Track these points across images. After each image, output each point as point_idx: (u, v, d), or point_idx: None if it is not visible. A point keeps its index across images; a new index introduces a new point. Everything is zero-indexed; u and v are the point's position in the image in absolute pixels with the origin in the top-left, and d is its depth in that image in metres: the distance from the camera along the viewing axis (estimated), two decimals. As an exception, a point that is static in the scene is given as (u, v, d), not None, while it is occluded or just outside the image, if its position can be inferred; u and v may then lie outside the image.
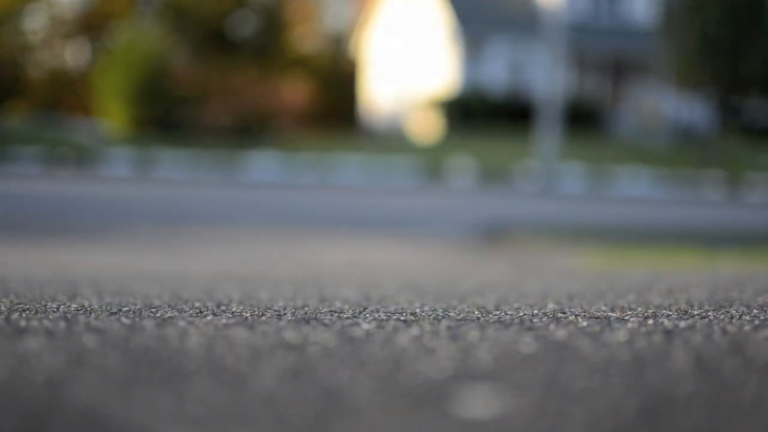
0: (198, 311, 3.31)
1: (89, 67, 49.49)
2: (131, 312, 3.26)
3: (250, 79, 44.35)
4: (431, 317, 3.20)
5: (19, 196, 18.80)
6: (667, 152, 40.03)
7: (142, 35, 43.31)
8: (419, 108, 44.24)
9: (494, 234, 13.63)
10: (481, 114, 42.24)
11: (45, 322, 2.93)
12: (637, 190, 31.35)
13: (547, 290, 4.44)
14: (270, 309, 3.42)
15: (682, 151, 40.42)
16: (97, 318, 3.07)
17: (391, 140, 41.79)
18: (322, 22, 58.29)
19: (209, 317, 3.14)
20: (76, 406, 1.82)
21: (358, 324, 2.99)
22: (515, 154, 35.95)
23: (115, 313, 3.23)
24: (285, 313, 3.27)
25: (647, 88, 45.70)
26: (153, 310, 3.34)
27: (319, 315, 3.24)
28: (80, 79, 49.84)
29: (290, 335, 2.73)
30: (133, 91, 40.43)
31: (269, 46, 50.85)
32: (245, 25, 51.72)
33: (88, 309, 3.33)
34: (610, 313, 3.29)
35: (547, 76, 33.49)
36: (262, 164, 32.49)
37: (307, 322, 3.05)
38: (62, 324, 2.89)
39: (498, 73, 44.57)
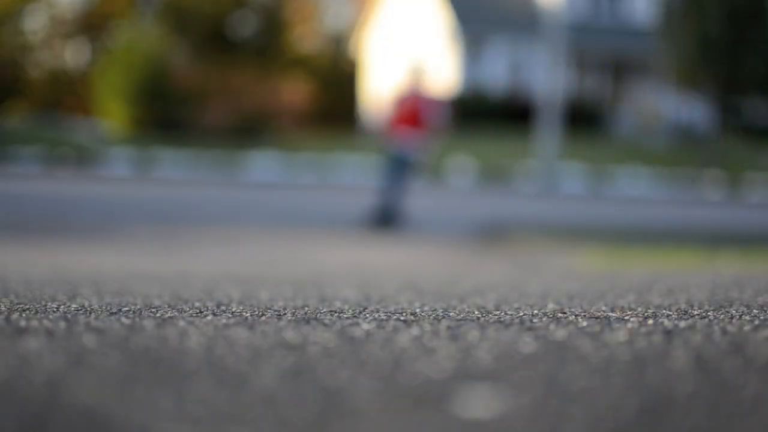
0: (198, 311, 3.31)
1: (89, 67, 49.49)
2: (131, 312, 3.26)
3: (250, 79, 44.32)
4: (431, 317, 3.20)
5: (19, 196, 18.80)
6: (667, 152, 40.03)
7: (142, 35, 43.31)
8: (419, 108, 44.22)
9: (494, 234, 13.63)
10: (481, 114, 42.24)
11: (45, 322, 2.93)
12: (637, 190, 31.35)
13: (547, 290, 4.44)
14: (270, 309, 3.41)
15: (682, 151, 40.43)
16: (97, 318, 3.07)
17: (391, 140, 41.75)
18: (322, 22, 58.28)
19: (209, 317, 3.14)
20: (76, 406, 1.82)
21: (358, 324, 2.99)
22: (515, 154, 35.95)
23: (115, 313, 3.23)
24: (285, 313, 3.27)
25: (647, 88, 45.70)
26: (153, 310, 3.34)
27: (319, 315, 3.24)
28: (80, 79, 49.84)
29: (290, 335, 2.73)
30: (133, 91, 40.43)
31: (269, 46, 50.84)
32: (245, 25, 51.71)
33: (88, 309, 3.33)
34: (610, 313, 3.29)
35: (547, 76, 33.48)
36: (262, 164, 32.48)
37: (307, 322, 3.05)
38: (62, 324, 2.89)
39: (498, 73, 44.56)
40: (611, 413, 1.82)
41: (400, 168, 13.69)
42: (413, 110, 13.64)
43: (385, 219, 13.60)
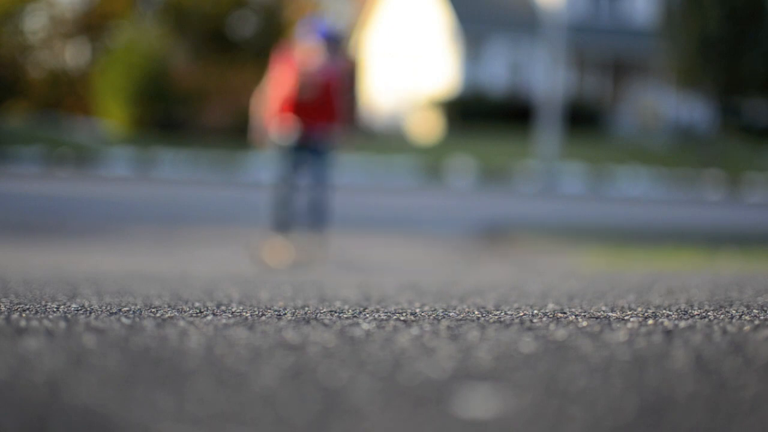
0: (198, 311, 3.31)
1: (89, 67, 49.48)
2: (131, 312, 3.26)
3: (250, 79, 44.33)
4: (431, 317, 3.20)
5: (19, 196, 18.79)
6: (667, 152, 40.03)
7: (142, 35, 43.31)
8: (419, 108, 44.25)
9: (494, 234, 13.63)
10: (480, 114, 42.24)
11: (45, 322, 2.93)
12: (637, 190, 31.35)
13: (547, 290, 4.44)
14: (270, 309, 3.41)
15: (682, 151, 40.43)
16: (97, 318, 3.07)
17: (391, 140, 41.80)
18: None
19: (209, 317, 3.14)
20: (76, 406, 1.82)
21: (358, 324, 2.99)
22: (515, 154, 35.95)
23: (115, 313, 3.23)
24: (285, 313, 3.27)
25: (647, 88, 45.71)
26: (153, 310, 3.34)
27: (319, 315, 3.24)
28: (80, 79, 49.82)
29: (290, 335, 2.73)
30: (133, 91, 40.42)
31: (269, 46, 50.84)
32: (245, 25, 51.71)
33: (88, 309, 3.33)
34: (610, 313, 3.29)
35: (547, 76, 33.49)
36: (262, 164, 32.49)
37: (307, 322, 3.05)
38: (62, 324, 2.89)
39: (498, 73, 44.57)
40: (611, 413, 1.82)
41: (307, 161, 9.66)
42: (324, 88, 9.56)
43: (286, 223, 9.64)
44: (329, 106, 9.64)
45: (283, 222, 9.59)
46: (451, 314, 3.29)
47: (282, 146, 9.65)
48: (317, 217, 9.59)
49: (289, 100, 9.53)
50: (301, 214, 9.62)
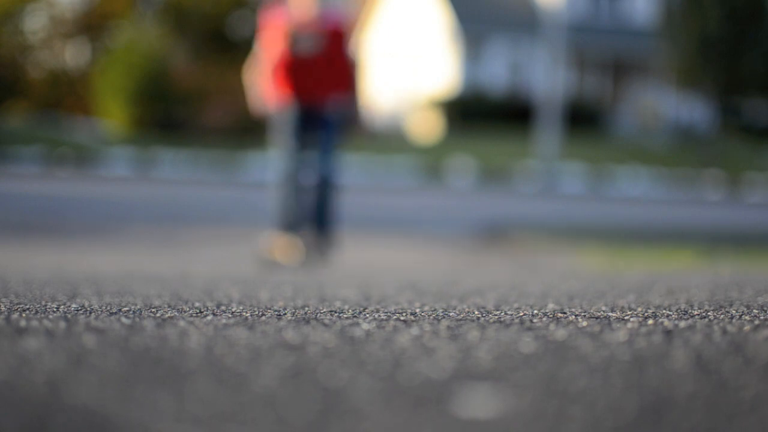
0: (198, 311, 3.31)
1: (89, 67, 49.49)
2: (131, 312, 3.26)
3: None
4: (431, 317, 3.20)
5: (19, 196, 18.79)
6: (667, 152, 40.03)
7: (142, 35, 43.32)
8: (419, 108, 44.24)
9: (494, 234, 13.63)
10: (480, 114, 42.24)
11: (45, 322, 2.93)
12: (637, 190, 31.35)
13: (547, 290, 4.44)
14: (270, 309, 3.41)
15: (682, 151, 40.43)
16: (97, 318, 3.07)
17: (391, 140, 41.80)
18: (322, 22, 58.29)
19: (209, 317, 3.14)
20: (76, 406, 1.82)
21: (358, 324, 2.99)
22: (515, 154, 35.94)
23: (115, 313, 3.23)
24: (285, 313, 3.27)
25: (647, 88, 45.70)
26: (153, 310, 3.34)
27: (319, 315, 3.24)
28: (80, 79, 49.83)
29: (290, 335, 2.73)
30: (133, 91, 40.43)
31: (269, 46, 50.80)
32: (245, 25, 51.72)
33: (88, 309, 3.33)
34: (610, 313, 3.29)
35: (547, 76, 33.49)
36: (262, 164, 32.49)
37: (307, 322, 3.05)
38: (62, 324, 2.88)
39: (498, 73, 44.57)
40: (611, 413, 1.82)
41: (316, 131, 8.15)
42: (326, 40, 8.08)
43: (293, 221, 8.34)
44: (336, 64, 8.15)
45: (290, 220, 8.45)
46: (451, 314, 3.29)
47: (283, 122, 8.16)
48: (323, 216, 8.49)
49: (284, 58, 7.93)
50: (308, 212, 8.44)
